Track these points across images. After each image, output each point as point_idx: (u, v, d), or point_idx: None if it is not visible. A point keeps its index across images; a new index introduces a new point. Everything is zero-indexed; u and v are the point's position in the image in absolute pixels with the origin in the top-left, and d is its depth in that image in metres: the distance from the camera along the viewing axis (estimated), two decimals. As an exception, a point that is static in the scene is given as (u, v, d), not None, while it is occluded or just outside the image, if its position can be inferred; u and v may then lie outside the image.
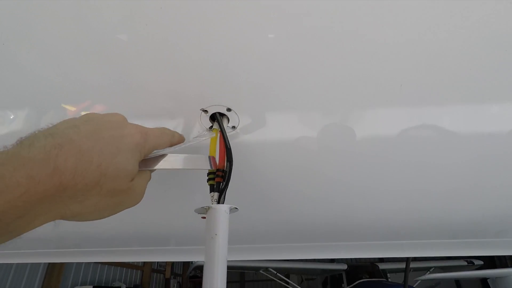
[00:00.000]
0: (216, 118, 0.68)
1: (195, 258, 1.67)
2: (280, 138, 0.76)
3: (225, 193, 0.62)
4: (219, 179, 0.63)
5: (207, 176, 0.65)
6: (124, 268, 10.06)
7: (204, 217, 0.58)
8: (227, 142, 0.67)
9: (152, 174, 0.59)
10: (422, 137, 0.75)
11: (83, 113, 0.73)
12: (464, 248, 1.36)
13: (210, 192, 0.63)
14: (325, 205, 1.06)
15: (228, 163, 0.65)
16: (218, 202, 0.61)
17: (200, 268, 8.02)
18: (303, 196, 0.98)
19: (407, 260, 3.26)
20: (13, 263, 6.30)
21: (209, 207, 0.58)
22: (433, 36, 0.53)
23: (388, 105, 0.68)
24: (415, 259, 13.92)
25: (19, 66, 0.61)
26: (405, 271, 3.21)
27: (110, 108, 0.70)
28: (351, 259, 15.28)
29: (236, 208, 0.61)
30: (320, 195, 0.98)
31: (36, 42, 0.57)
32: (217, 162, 0.66)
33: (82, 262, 8.18)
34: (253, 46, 0.56)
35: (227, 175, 0.64)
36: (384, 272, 8.83)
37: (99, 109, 0.71)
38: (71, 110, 0.73)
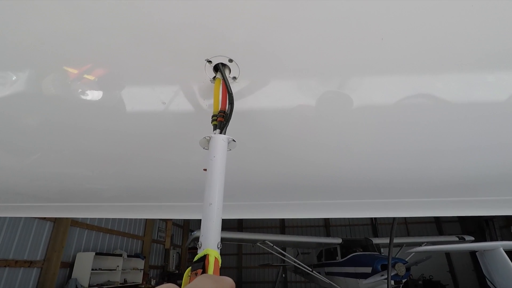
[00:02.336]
0: (219, 68, 0.74)
1: (194, 216, 1.75)
2: (277, 89, 0.81)
3: (225, 129, 0.70)
4: (221, 119, 0.72)
5: (211, 118, 0.73)
6: (125, 238, 10.36)
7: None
8: (229, 87, 0.74)
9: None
10: (413, 104, 0.81)
11: (86, 76, 0.75)
12: (445, 208, 1.43)
13: (214, 130, 0.71)
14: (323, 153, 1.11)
15: (230, 105, 0.73)
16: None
17: (198, 240, 8.22)
18: (301, 143, 1.03)
19: (393, 220, 3.42)
20: (19, 225, 6.52)
21: (210, 137, 0.67)
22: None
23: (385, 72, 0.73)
24: (409, 234, 14.35)
25: (21, 25, 0.63)
26: (391, 230, 3.37)
27: (120, 68, 0.75)
28: (346, 234, 15.74)
29: (234, 140, 0.69)
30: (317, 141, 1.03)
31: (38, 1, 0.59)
32: (220, 105, 0.74)
33: (85, 230, 8.44)
34: (255, 3, 0.59)
35: (228, 116, 0.72)
36: (377, 247, 9.11)
37: (102, 71, 0.75)
38: (73, 73, 0.76)
